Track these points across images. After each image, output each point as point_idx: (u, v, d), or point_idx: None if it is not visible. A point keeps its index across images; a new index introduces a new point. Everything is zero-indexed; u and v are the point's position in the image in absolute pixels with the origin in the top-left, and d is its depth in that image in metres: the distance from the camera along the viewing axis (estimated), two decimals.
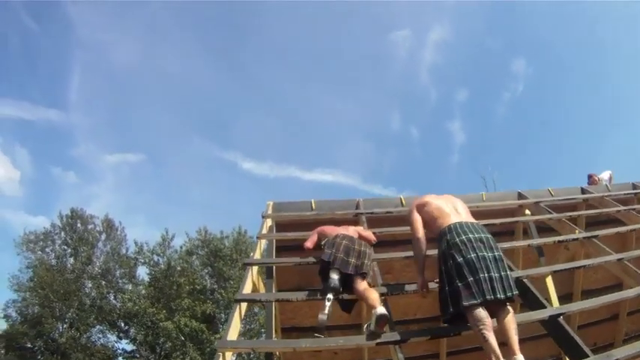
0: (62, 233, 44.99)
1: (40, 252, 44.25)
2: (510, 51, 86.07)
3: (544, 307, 5.82)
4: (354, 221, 8.72)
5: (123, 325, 42.53)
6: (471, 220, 5.35)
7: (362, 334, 5.28)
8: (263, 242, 8.37)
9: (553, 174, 70.92)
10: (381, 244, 8.22)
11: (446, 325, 5.24)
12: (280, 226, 9.04)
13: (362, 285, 5.77)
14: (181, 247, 40.00)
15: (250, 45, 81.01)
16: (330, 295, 5.58)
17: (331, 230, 6.69)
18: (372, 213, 9.20)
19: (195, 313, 34.01)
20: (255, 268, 7.43)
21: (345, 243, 6.11)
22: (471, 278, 4.61)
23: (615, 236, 9.29)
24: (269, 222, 8.89)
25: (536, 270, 7.74)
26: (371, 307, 5.28)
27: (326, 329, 5.36)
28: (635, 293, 6.68)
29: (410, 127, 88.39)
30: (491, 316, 4.56)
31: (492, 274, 4.66)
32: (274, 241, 8.39)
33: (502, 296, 4.58)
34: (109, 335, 44.17)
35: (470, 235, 4.93)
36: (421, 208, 5.68)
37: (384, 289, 6.10)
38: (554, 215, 9.20)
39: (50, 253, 44.44)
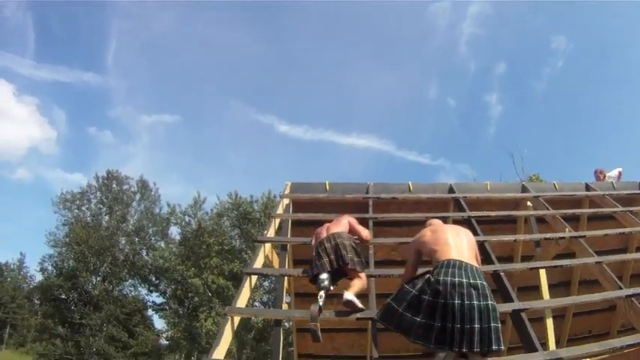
0: (98, 193, 47.13)
1: (76, 210, 46.49)
2: (551, 27, 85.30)
3: (512, 300, 6.54)
4: (364, 203, 9.56)
5: (154, 279, 44.22)
6: (472, 262, 5.08)
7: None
8: (278, 220, 9.10)
9: (584, 157, 70.34)
10: (386, 224, 9.27)
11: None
12: (296, 204, 9.81)
13: (352, 273, 6.18)
14: (212, 210, 41.25)
15: (292, 15, 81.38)
16: (322, 293, 5.85)
17: (321, 230, 6.96)
18: (378, 198, 9.85)
19: (223, 271, 35.19)
20: (268, 244, 8.29)
21: (325, 246, 6.38)
22: (439, 324, 4.54)
23: (615, 235, 9.87)
24: (286, 201, 9.71)
25: (514, 265, 8.80)
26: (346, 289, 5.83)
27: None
28: (601, 298, 7.38)
29: (446, 97, 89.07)
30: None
31: (468, 325, 4.48)
32: (290, 219, 9.17)
33: (478, 349, 4.47)
34: (140, 289, 46.20)
35: (465, 280, 4.69)
36: (424, 238, 5.56)
37: (377, 272, 6.73)
38: (549, 212, 9.71)
39: (86, 212, 46.72)
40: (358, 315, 5.72)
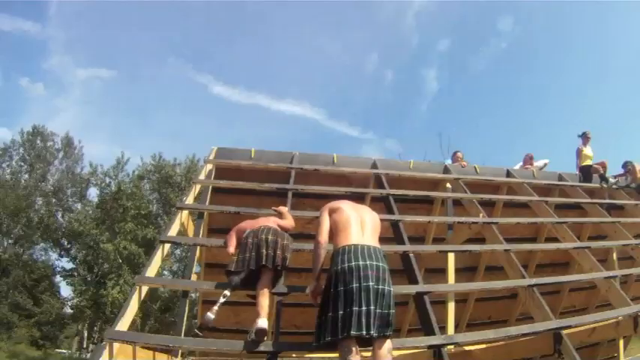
0: (21, 149, 45.17)
1: None
2: (501, 6, 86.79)
3: (417, 283, 6.87)
4: (287, 173, 9.76)
5: (66, 243, 43.24)
6: (374, 244, 5.11)
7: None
8: (199, 186, 9.17)
9: (512, 143, 72.51)
10: (305, 196, 9.44)
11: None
12: (220, 171, 9.82)
13: (265, 282, 5.70)
14: (134, 171, 40.65)
15: None
16: (227, 292, 5.63)
17: (250, 225, 6.40)
18: (301, 169, 10.05)
19: (137, 237, 34.78)
20: (185, 211, 8.33)
21: (266, 238, 5.91)
22: (342, 311, 4.52)
23: (527, 224, 10.46)
24: (209, 167, 9.75)
25: (423, 247, 9.24)
26: (256, 315, 5.32)
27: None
28: (504, 286, 7.95)
29: (386, 70, 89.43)
30: (368, 346, 4.67)
31: (371, 307, 4.53)
32: (210, 186, 9.18)
33: (375, 334, 4.50)
34: (50, 253, 45.00)
35: (361, 262, 4.71)
36: (332, 213, 5.49)
37: (286, 289, 6.20)
38: (466, 195, 10.18)
39: (6, 169, 44.75)
40: (259, 348, 5.32)
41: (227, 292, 5.63)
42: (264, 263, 5.69)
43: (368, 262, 4.74)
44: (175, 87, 77.37)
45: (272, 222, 6.49)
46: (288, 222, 6.84)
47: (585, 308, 12.73)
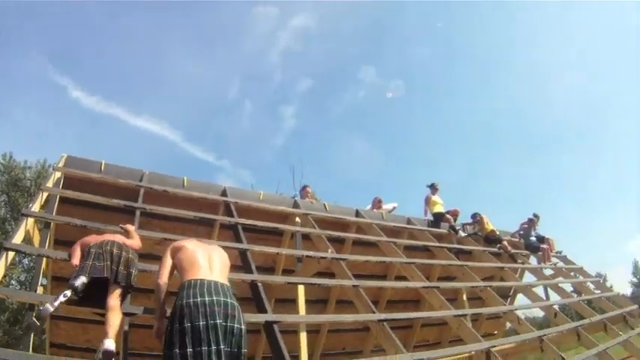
0: None
1: None
2: (365, 57, 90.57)
3: (266, 312, 6.98)
4: (136, 191, 9.57)
5: None
6: (222, 280, 5.00)
7: None
8: (46, 194, 8.69)
9: (365, 185, 75.12)
10: (154, 216, 9.34)
11: None
12: (69, 180, 9.40)
13: (112, 299, 5.51)
14: None
15: None
16: (67, 292, 5.28)
17: (94, 239, 6.20)
18: (150, 188, 9.83)
19: None
20: (31, 219, 7.87)
21: (108, 250, 5.83)
22: (191, 349, 4.34)
23: (376, 262, 10.83)
24: (58, 174, 9.32)
25: (272, 277, 9.33)
26: (104, 335, 5.10)
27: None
28: (353, 319, 8.21)
29: (245, 100, 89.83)
30: None
31: (221, 347, 4.43)
32: (58, 195, 8.74)
33: None
34: None
35: (207, 298, 4.60)
36: (175, 253, 5.39)
37: (137, 310, 6.06)
38: (315, 231, 10.43)
39: None
40: None
41: (67, 292, 5.26)
42: (106, 276, 5.57)
43: (215, 298, 4.63)
44: (35, 84, 73.13)
45: (118, 239, 6.32)
46: (135, 242, 6.72)
47: (439, 342, 13.57)
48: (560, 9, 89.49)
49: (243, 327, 4.69)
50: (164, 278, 5.22)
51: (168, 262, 5.36)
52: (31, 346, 6.20)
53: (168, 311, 4.88)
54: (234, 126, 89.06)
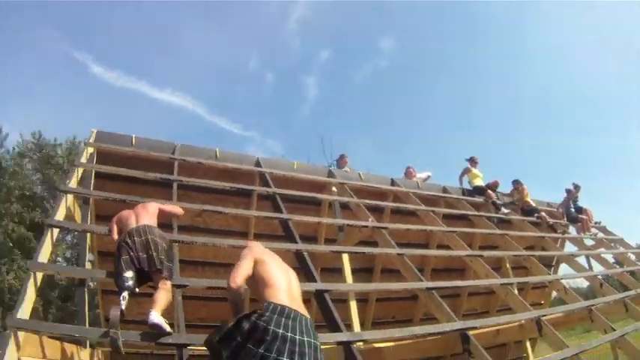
0: None
1: None
2: (382, 26, 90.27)
3: (315, 281, 6.95)
4: (170, 164, 9.47)
5: None
6: (306, 314, 4.33)
7: None
8: (81, 170, 8.60)
9: (390, 154, 74.95)
10: (190, 188, 9.26)
11: None
12: (101, 155, 9.31)
13: (160, 283, 5.56)
14: (14, 149, 38.06)
15: None
16: (125, 294, 5.24)
17: (127, 216, 6.16)
18: (184, 160, 9.71)
19: (24, 220, 32.72)
20: (70, 195, 7.82)
21: (135, 240, 5.69)
22: None
23: (417, 231, 10.76)
24: (90, 150, 9.24)
25: (316, 247, 9.28)
26: (150, 307, 5.17)
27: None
28: (401, 288, 8.24)
29: (266, 71, 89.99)
30: None
31: None
32: (93, 170, 8.68)
33: None
34: None
35: (299, 337, 4.01)
36: (256, 263, 4.70)
37: (187, 282, 6.24)
38: (353, 200, 10.34)
39: None
40: (167, 340, 5.18)
41: (125, 294, 5.22)
42: (158, 267, 5.58)
43: (306, 339, 4.05)
44: (53, 61, 72.80)
45: (154, 208, 6.38)
46: (175, 208, 6.94)
47: (487, 311, 13.50)
48: None
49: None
50: (240, 280, 4.52)
51: (248, 267, 4.64)
52: (87, 320, 6.23)
53: None
54: (257, 97, 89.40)
